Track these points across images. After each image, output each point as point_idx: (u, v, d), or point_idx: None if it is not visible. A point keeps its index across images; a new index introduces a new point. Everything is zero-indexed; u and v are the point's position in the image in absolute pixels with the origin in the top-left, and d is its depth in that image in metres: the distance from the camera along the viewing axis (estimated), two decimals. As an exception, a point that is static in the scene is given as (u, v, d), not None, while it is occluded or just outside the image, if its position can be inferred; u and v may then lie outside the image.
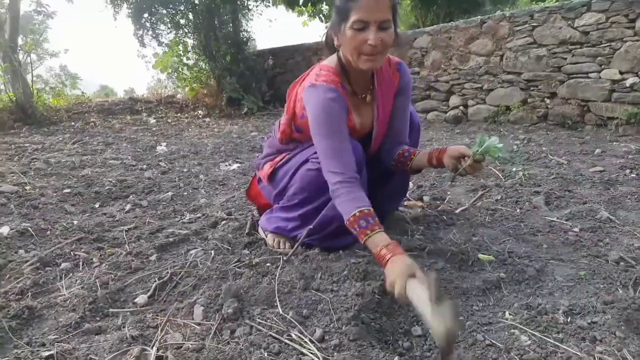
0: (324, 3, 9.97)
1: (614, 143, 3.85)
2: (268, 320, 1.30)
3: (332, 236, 1.74)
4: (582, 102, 4.76)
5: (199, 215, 2.42)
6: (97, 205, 2.69)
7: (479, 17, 5.85)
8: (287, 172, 1.80)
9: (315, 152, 1.64)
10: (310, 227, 1.62)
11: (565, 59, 4.83)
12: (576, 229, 1.91)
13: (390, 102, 1.80)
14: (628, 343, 1.09)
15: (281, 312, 1.34)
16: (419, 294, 1.12)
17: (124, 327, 1.34)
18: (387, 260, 1.30)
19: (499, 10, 10.14)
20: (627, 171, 2.81)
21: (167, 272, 1.66)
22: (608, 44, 4.49)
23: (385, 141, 1.86)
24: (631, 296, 1.29)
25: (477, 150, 1.53)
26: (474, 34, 5.68)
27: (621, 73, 4.44)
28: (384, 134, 1.84)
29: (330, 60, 1.70)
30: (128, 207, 2.61)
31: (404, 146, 1.84)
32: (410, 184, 2.53)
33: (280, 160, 1.85)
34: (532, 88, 5.19)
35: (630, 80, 4.35)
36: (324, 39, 1.73)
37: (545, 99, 5.09)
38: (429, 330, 1.18)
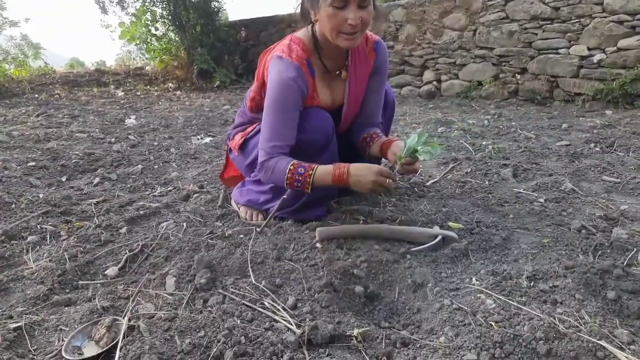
0: (298, -26, 9.74)
1: (581, 118, 3.95)
2: (241, 290, 1.30)
3: (304, 208, 1.74)
4: (551, 77, 4.85)
5: (170, 188, 2.38)
6: (63, 179, 2.62)
7: (453, -10, 5.83)
8: (257, 144, 1.78)
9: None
10: (284, 196, 1.63)
11: (536, 34, 4.89)
12: (541, 200, 1.97)
13: (364, 80, 1.77)
14: (586, 304, 1.14)
15: (254, 281, 1.35)
16: None
17: (94, 298, 1.33)
18: (348, 171, 1.49)
19: (473, -15, 10.08)
20: (592, 145, 2.90)
21: (138, 245, 1.64)
22: (577, 20, 4.55)
23: (357, 121, 1.85)
24: (590, 261, 1.35)
25: (402, 155, 1.51)
26: (448, 7, 5.67)
27: (589, 49, 4.52)
28: (356, 113, 1.82)
29: (304, 33, 1.65)
30: (96, 180, 2.55)
31: (372, 129, 1.82)
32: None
33: (252, 130, 1.84)
34: (503, 63, 5.24)
35: (598, 56, 4.45)
36: (298, 9, 1.66)
37: (516, 75, 5.16)
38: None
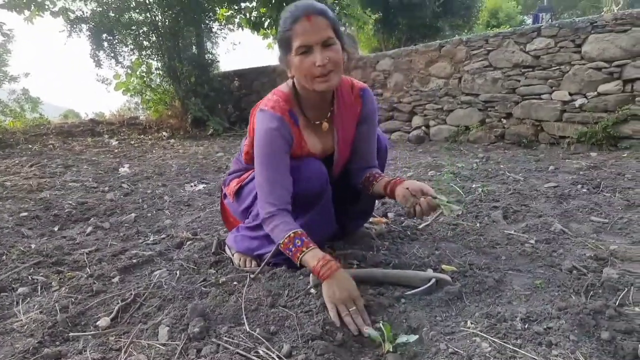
0: (289, 26, 10.13)
1: (567, 160, 4.05)
2: (235, 338, 1.29)
3: None
4: (536, 121, 5.00)
5: (163, 236, 2.38)
6: (56, 229, 2.61)
7: (438, 41, 6.09)
8: (252, 190, 1.82)
9: None
10: (280, 242, 1.64)
11: (519, 81, 5.08)
12: (532, 241, 1.99)
13: (352, 128, 1.79)
14: (581, 345, 1.14)
15: (248, 329, 1.33)
16: None
17: (85, 350, 1.30)
18: (330, 275, 1.42)
19: (457, 35, 10.61)
20: (579, 186, 2.96)
21: (131, 294, 1.62)
22: (558, 67, 4.75)
23: (352, 166, 1.87)
24: (583, 302, 1.36)
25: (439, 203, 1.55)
26: (433, 57, 5.90)
27: (570, 94, 4.69)
28: (346, 159, 1.85)
29: (285, 85, 1.71)
30: (89, 229, 2.54)
31: (372, 170, 1.84)
32: (376, 202, 2.58)
33: (247, 177, 1.87)
34: (489, 109, 5.41)
35: (579, 101, 4.61)
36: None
37: (502, 119, 5.31)
38: None
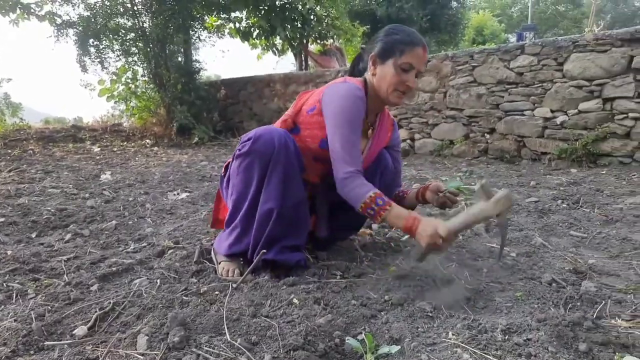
0: (278, 37, 10.20)
1: (548, 176, 4.12)
2: (216, 348, 1.27)
3: (284, 249, 1.75)
4: (518, 137, 5.09)
5: (144, 244, 2.35)
6: (33, 235, 2.55)
7: (423, 56, 6.17)
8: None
9: (239, 146, 1.73)
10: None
11: (503, 97, 5.18)
12: (513, 254, 2.02)
13: (380, 146, 1.96)
14: (559, 357, 1.15)
15: (229, 339, 1.31)
16: (461, 216, 1.64)
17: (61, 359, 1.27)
18: (417, 225, 1.56)
19: (443, 50, 10.78)
20: (559, 201, 3.01)
21: (109, 302, 1.59)
22: (540, 84, 4.86)
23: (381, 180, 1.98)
24: (562, 314, 1.37)
25: (447, 188, 1.88)
26: (419, 71, 5.98)
27: (552, 111, 4.80)
28: (367, 167, 1.92)
29: (357, 80, 1.82)
30: (68, 236, 2.49)
31: (400, 188, 2.09)
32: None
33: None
34: (473, 124, 5.50)
35: (561, 118, 4.71)
36: (350, 65, 2.00)
37: (486, 134, 5.39)
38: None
